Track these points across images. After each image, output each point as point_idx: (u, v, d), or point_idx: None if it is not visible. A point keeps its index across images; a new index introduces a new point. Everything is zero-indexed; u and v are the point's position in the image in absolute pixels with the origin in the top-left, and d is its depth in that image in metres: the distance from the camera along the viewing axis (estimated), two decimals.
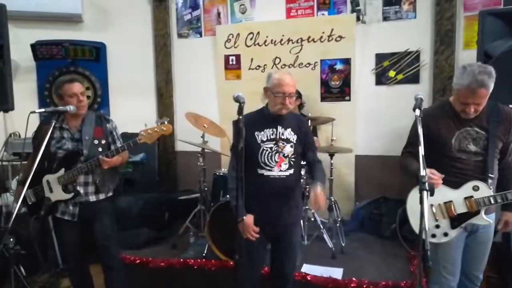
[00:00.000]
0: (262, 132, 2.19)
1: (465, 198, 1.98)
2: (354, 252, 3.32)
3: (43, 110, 2.41)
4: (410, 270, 2.87)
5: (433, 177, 1.85)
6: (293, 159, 2.20)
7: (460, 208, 2.00)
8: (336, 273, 2.87)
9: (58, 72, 4.40)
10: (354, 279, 2.74)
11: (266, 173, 2.16)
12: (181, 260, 3.10)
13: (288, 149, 2.18)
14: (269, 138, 2.18)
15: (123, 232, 3.39)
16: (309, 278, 2.79)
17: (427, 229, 1.48)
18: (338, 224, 3.43)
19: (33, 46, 4.19)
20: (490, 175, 1.97)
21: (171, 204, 3.93)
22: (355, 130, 4.10)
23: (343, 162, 4.01)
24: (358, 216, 3.88)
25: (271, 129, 2.20)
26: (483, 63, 2.58)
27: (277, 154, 2.17)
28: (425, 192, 1.56)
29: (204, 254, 3.12)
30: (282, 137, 2.19)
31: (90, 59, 4.35)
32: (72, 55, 4.31)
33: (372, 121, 4.08)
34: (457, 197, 2.00)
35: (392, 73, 3.98)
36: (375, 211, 3.78)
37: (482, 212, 1.96)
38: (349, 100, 4.08)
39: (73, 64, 4.43)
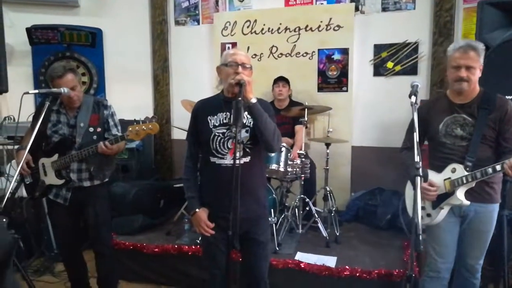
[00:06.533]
0: (215, 117, 1.98)
1: (444, 180, 2.08)
2: (348, 241, 3.33)
3: (36, 91, 2.40)
4: (403, 260, 2.89)
5: (430, 191, 2.06)
6: (249, 146, 1.96)
7: (440, 189, 2.09)
8: (330, 261, 2.88)
9: (54, 57, 4.36)
10: (347, 267, 2.76)
11: (218, 161, 1.94)
12: (176, 246, 3.11)
13: (243, 134, 1.93)
14: (222, 122, 1.97)
15: (118, 218, 3.41)
16: (302, 266, 2.81)
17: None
18: (333, 214, 3.44)
19: (28, 31, 4.15)
20: (469, 158, 2.02)
21: (166, 191, 3.93)
22: (351, 121, 4.09)
23: (339, 152, 4.00)
24: (353, 206, 3.89)
25: (224, 113, 1.97)
26: None
27: (230, 140, 1.93)
28: (418, 178, 1.58)
29: (198, 241, 3.12)
30: None
31: (86, 45, 4.32)
32: (68, 40, 4.27)
33: (369, 112, 4.07)
34: (438, 179, 2.10)
35: (390, 64, 3.97)
36: (370, 201, 3.78)
37: (457, 192, 2.03)
38: (347, 90, 4.06)
39: (69, 49, 4.39)
